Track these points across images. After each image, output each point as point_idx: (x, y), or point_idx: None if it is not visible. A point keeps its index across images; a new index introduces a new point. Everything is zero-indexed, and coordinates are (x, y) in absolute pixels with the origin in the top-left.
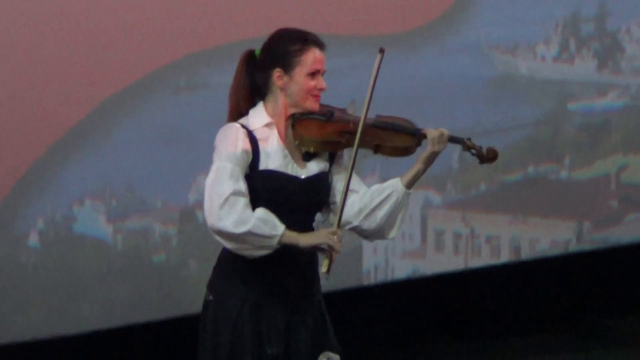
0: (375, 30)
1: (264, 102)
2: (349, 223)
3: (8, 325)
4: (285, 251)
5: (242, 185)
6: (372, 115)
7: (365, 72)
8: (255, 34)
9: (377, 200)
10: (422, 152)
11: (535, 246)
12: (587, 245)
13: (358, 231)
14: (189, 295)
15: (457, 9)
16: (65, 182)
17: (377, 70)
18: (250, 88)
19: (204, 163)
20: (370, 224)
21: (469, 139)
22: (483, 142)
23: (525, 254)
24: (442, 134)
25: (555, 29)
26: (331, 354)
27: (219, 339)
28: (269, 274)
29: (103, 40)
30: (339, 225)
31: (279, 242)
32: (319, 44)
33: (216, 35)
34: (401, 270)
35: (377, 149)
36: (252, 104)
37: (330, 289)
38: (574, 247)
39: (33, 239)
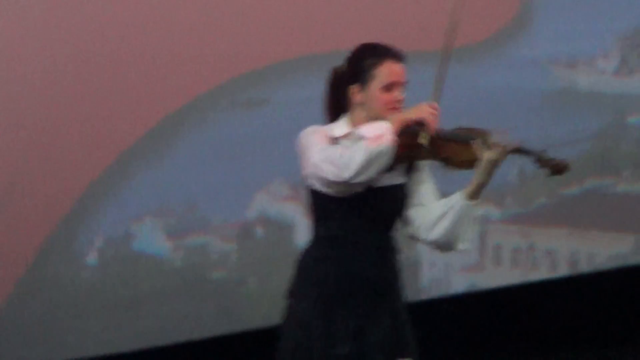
0: (436, 45)
1: (347, 116)
2: (416, 236)
3: (67, 342)
4: (357, 257)
5: None
6: (452, 127)
7: (429, 87)
8: (316, 50)
9: (439, 213)
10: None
11: (593, 260)
12: None
13: (427, 244)
14: (249, 311)
15: (517, 23)
16: (125, 200)
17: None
18: (335, 104)
19: (263, 179)
20: (435, 236)
21: (543, 152)
22: None
23: (584, 267)
24: (497, 143)
25: (615, 43)
26: None
27: (289, 337)
28: (339, 278)
29: (165, 57)
30: (437, 100)
31: (391, 130)
32: (395, 55)
33: (276, 51)
34: (459, 284)
35: (446, 162)
36: (337, 118)
37: None
38: (632, 260)
39: (92, 257)
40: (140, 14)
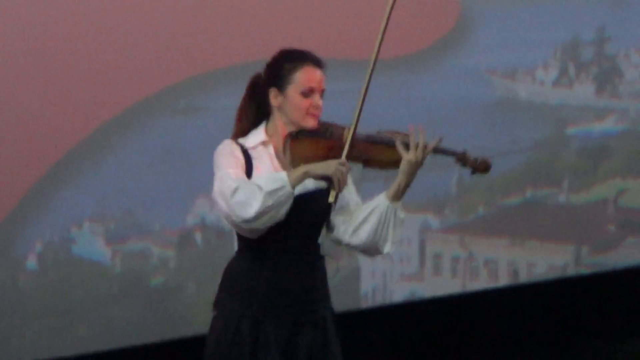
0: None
1: (266, 122)
2: (340, 240)
3: (6, 348)
4: (284, 266)
5: (245, 179)
6: (373, 131)
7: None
8: (253, 58)
9: (363, 216)
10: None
11: (533, 270)
12: (585, 269)
13: (351, 248)
14: (187, 317)
15: (456, 34)
16: (64, 205)
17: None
18: (256, 110)
19: (203, 185)
20: (360, 239)
21: (464, 152)
22: None
23: (523, 277)
24: (416, 143)
25: (555, 54)
26: None
27: (218, 353)
28: (267, 289)
29: (102, 64)
30: (347, 157)
31: (292, 185)
32: (315, 61)
33: (214, 59)
34: (399, 293)
35: (366, 163)
36: (256, 125)
37: None
38: (571, 271)
39: (31, 262)
40: (76, 20)
